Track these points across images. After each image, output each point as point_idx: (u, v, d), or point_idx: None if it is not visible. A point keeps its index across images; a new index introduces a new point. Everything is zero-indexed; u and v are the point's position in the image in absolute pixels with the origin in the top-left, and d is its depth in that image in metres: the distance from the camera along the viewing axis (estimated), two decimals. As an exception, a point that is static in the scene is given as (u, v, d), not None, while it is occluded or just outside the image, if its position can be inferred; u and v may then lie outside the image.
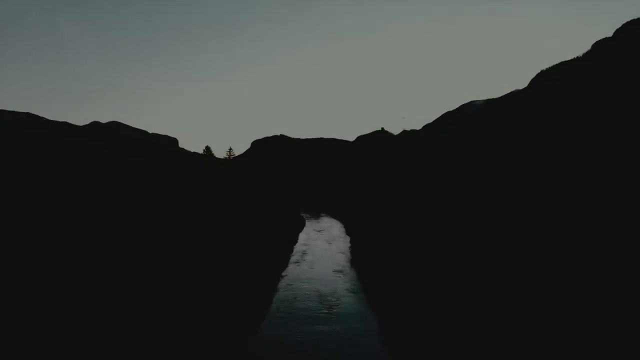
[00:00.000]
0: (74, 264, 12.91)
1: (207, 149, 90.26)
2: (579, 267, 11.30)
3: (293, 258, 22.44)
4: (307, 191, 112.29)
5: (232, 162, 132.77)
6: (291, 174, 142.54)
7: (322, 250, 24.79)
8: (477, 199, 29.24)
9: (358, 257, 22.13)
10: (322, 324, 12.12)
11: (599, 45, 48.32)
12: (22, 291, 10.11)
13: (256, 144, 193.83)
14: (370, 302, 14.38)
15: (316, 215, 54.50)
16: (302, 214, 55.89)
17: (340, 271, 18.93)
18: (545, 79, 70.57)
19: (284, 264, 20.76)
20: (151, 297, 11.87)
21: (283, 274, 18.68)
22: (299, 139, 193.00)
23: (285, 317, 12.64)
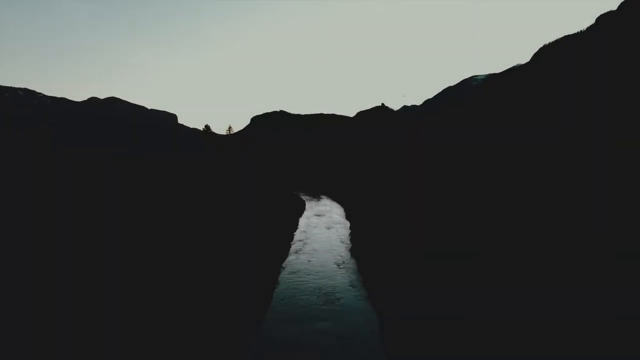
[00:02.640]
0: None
1: (207, 127, 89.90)
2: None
3: (293, 247, 22.30)
4: (307, 168, 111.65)
5: (231, 139, 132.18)
6: (291, 150, 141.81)
7: (322, 238, 24.66)
8: (482, 177, 28.92)
9: (358, 246, 22.03)
10: (323, 322, 12.00)
11: (603, 19, 46.86)
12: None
13: (256, 119, 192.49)
14: (371, 296, 14.26)
15: (316, 197, 54.33)
16: (301, 195, 55.70)
17: (341, 263, 18.78)
18: (548, 53, 69.07)
19: (284, 254, 20.62)
20: (140, 292, 11.73)
21: (283, 265, 18.53)
22: (298, 115, 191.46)
23: (286, 316, 12.51)
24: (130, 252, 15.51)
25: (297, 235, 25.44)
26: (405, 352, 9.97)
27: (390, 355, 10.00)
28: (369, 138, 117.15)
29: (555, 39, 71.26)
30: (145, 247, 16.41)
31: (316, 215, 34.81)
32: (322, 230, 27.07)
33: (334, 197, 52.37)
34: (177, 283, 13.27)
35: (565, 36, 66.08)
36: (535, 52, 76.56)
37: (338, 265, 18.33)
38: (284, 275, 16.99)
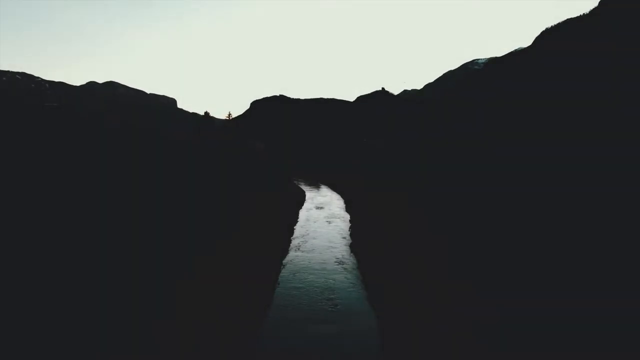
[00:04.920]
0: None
1: (206, 113, 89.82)
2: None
3: (293, 242, 22.32)
4: (307, 154, 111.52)
5: (231, 124, 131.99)
6: (291, 135, 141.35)
7: (322, 233, 24.73)
8: (486, 162, 28.67)
9: (358, 241, 22.07)
10: (324, 324, 12.06)
11: (606, 1, 46.07)
12: None
13: (256, 104, 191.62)
14: (370, 297, 14.28)
15: (316, 186, 54.41)
16: (301, 184, 55.70)
17: (341, 261, 18.82)
18: (550, 37, 68.33)
19: (285, 250, 20.64)
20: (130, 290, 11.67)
21: (284, 262, 18.54)
22: (298, 99, 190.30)
23: (286, 318, 12.54)
24: (114, 246, 15.44)
25: (297, 229, 25.46)
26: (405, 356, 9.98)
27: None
28: (369, 123, 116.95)
29: (557, 22, 70.11)
30: (133, 241, 16.32)
31: (316, 207, 34.85)
32: (322, 224, 27.12)
33: (334, 187, 52.41)
34: (169, 281, 13.23)
35: (568, 19, 65.18)
36: (537, 35, 75.74)
37: (338, 264, 18.35)
38: (284, 273, 16.99)
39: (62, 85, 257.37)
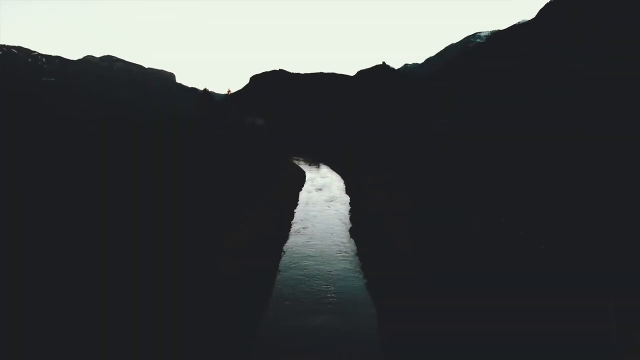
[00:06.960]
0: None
1: (205, 90, 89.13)
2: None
3: (294, 227, 22.34)
4: (307, 130, 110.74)
5: (230, 100, 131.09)
6: (290, 111, 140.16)
7: (322, 216, 24.85)
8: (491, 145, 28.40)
9: (358, 226, 22.13)
10: (324, 315, 12.19)
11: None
12: None
13: (255, 79, 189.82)
14: (370, 286, 14.33)
15: (316, 165, 54.34)
16: (301, 163, 55.61)
17: (341, 248, 18.89)
18: (553, 9, 67.07)
19: (285, 235, 20.67)
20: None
21: (283, 248, 18.57)
22: (298, 74, 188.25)
23: (286, 311, 12.60)
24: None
25: (297, 213, 25.45)
26: (405, 351, 10.01)
27: (389, 354, 10.10)
28: (369, 98, 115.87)
29: (562, -5, 68.77)
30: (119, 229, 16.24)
31: (316, 189, 34.82)
32: (323, 208, 27.17)
33: (334, 166, 52.14)
34: (161, 271, 13.13)
35: (573, -8, 63.77)
36: (540, 8, 74.36)
37: (339, 251, 18.40)
38: (285, 259, 17.04)
39: (59, 59, 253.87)
